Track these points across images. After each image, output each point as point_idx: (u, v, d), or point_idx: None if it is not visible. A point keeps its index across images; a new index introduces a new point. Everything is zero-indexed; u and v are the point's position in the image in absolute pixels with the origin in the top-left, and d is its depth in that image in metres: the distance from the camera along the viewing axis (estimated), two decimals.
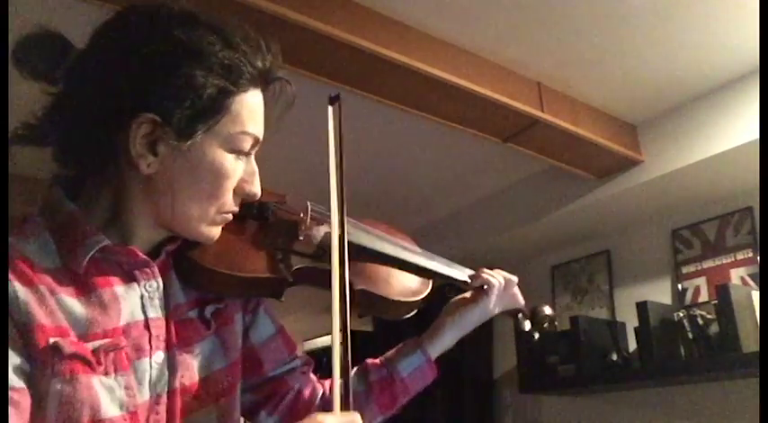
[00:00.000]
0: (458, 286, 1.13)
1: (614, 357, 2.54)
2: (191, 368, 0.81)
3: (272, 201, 0.94)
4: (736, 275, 2.45)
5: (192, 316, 0.84)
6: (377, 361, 1.06)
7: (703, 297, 2.53)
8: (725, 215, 2.55)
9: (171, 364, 0.79)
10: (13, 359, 0.68)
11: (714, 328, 2.27)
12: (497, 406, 3.22)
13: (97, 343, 0.73)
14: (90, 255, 0.75)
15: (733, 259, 2.49)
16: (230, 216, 0.85)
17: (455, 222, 3.29)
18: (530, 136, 2.28)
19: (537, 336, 1.20)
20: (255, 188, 0.84)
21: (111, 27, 0.79)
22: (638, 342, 2.50)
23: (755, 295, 2.23)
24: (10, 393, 0.67)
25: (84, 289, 0.75)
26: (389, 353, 1.07)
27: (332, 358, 0.76)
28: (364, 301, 0.93)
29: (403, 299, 0.99)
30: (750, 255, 2.44)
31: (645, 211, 2.72)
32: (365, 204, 3.04)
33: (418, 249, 1.10)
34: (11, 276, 0.70)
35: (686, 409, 2.51)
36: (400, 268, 1.02)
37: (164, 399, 0.78)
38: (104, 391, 0.72)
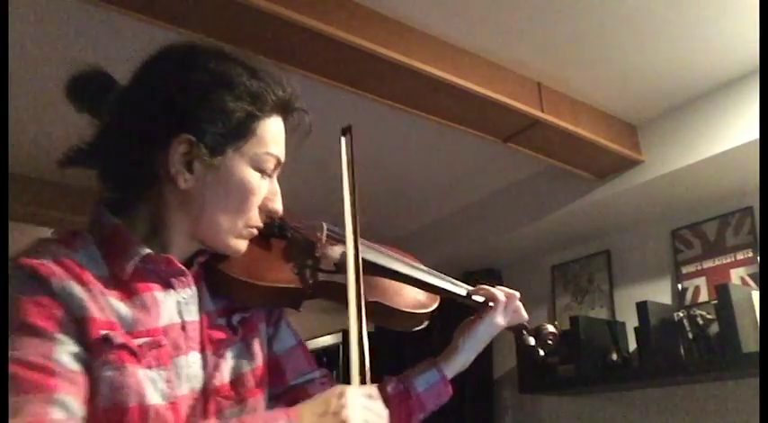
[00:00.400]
0: (467, 304, 1.19)
1: (614, 357, 2.54)
2: (221, 370, 0.89)
3: (290, 222, 1.03)
4: (736, 275, 2.45)
5: (221, 323, 0.92)
6: (394, 377, 1.12)
7: (703, 297, 2.53)
8: (725, 215, 2.55)
9: (204, 365, 0.87)
10: (72, 347, 0.77)
11: (714, 328, 2.27)
12: (497, 406, 3.22)
13: (141, 340, 0.81)
14: (134, 262, 0.85)
15: (733, 259, 2.49)
16: (255, 231, 0.93)
17: (455, 222, 3.29)
18: (530, 136, 2.28)
19: (542, 353, 1.22)
20: (278, 205, 0.94)
21: (153, 62, 0.91)
22: (638, 342, 2.50)
23: (755, 295, 2.22)
24: (70, 375, 0.76)
25: (129, 293, 0.84)
26: (407, 371, 1.13)
27: (349, 358, 0.83)
28: (377, 312, 1.01)
29: (412, 310, 1.06)
30: (750, 255, 2.44)
31: (645, 211, 2.72)
32: (365, 204, 3.04)
33: (425, 268, 1.16)
34: (67, 277, 0.79)
35: (686, 409, 2.51)
36: (410, 284, 1.10)
37: (199, 395, 0.86)
38: (148, 381, 0.80)
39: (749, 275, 2.42)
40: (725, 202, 2.55)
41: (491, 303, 1.16)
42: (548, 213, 2.81)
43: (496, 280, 3.37)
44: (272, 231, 0.99)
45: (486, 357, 3.26)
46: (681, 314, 2.37)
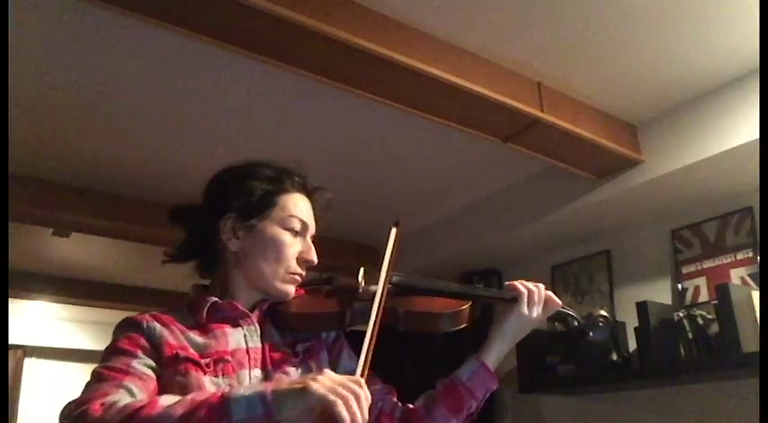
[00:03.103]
0: (497, 303, 1.32)
1: (614, 357, 2.54)
2: (285, 382, 1.10)
3: (337, 276, 1.31)
4: (737, 275, 2.45)
5: (285, 350, 1.19)
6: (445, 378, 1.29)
7: (703, 297, 2.53)
8: (725, 215, 2.55)
9: (266, 378, 1.13)
10: (147, 361, 1.08)
11: (714, 328, 2.27)
12: (497, 406, 3.22)
13: (209, 358, 1.11)
14: (206, 308, 1.17)
15: (733, 259, 2.49)
16: (298, 277, 1.22)
17: (455, 222, 3.30)
18: (530, 136, 2.28)
19: (592, 334, 1.31)
20: (313, 256, 1.24)
21: (209, 182, 1.28)
22: (638, 342, 2.50)
23: (755, 295, 2.22)
24: (140, 375, 1.05)
25: (206, 331, 1.16)
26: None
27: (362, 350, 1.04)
28: (407, 318, 1.21)
29: (437, 311, 1.23)
30: (750, 255, 2.44)
31: (645, 211, 2.72)
32: (366, 204, 3.04)
33: (456, 285, 1.34)
34: (153, 321, 1.13)
35: (686, 409, 2.51)
36: (437, 295, 1.28)
37: None
38: (213, 385, 1.08)
39: (749, 275, 2.42)
40: (725, 202, 2.55)
41: (516, 296, 1.28)
42: (548, 213, 2.81)
43: (496, 280, 3.37)
44: (321, 283, 1.29)
45: None
46: (681, 314, 2.37)
